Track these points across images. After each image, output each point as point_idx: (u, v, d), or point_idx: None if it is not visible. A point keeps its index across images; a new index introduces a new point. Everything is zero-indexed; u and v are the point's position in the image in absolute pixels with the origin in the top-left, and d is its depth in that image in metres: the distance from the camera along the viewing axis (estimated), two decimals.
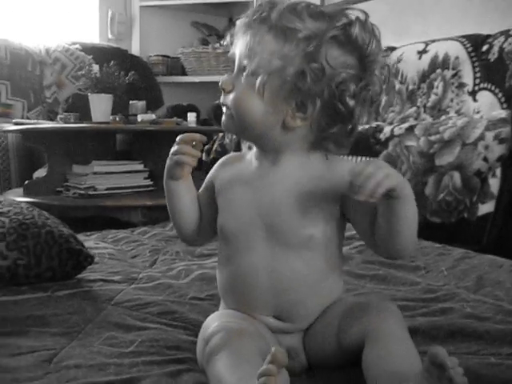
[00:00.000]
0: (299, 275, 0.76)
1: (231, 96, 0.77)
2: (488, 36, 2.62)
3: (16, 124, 2.65)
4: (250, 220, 0.77)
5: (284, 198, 0.76)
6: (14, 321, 0.94)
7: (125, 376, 0.75)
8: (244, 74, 0.75)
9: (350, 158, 0.79)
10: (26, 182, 2.57)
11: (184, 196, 0.85)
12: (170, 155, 0.82)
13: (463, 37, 2.72)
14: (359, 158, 2.00)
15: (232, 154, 0.88)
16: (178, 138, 0.81)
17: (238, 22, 0.78)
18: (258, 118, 0.75)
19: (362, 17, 0.74)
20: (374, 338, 0.70)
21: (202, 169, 0.83)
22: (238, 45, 0.77)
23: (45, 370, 0.77)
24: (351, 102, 0.73)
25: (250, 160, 0.81)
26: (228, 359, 0.68)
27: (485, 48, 2.59)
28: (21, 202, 1.34)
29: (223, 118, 0.79)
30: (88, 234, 1.67)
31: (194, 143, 0.80)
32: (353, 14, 0.74)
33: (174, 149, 0.81)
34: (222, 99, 0.78)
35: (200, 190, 0.88)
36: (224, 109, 0.79)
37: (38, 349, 0.84)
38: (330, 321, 0.77)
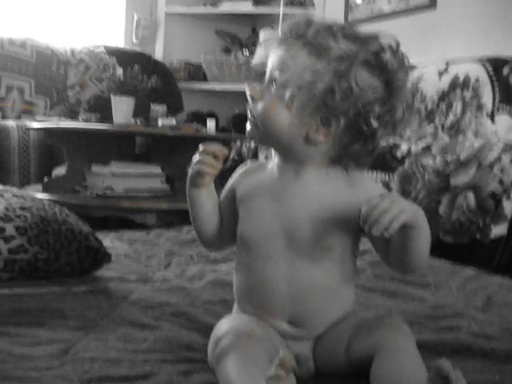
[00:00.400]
0: (317, 285, 0.79)
1: (259, 105, 0.79)
2: (509, 59, 2.63)
3: (38, 122, 2.70)
4: (271, 230, 0.79)
5: (305, 210, 0.78)
6: (32, 312, 0.97)
7: (138, 371, 0.77)
8: (274, 85, 0.78)
9: (368, 173, 0.81)
10: (46, 179, 2.62)
11: (205, 203, 0.87)
12: (192, 164, 0.84)
13: (484, 59, 2.73)
14: (378, 174, 2.02)
15: (253, 163, 0.90)
16: (200, 148, 0.83)
17: (271, 35, 0.80)
18: (284, 129, 0.77)
19: (394, 44, 0.77)
20: (385, 351, 0.72)
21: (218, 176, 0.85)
22: (271, 57, 0.80)
23: (61, 361, 0.80)
24: (375, 123, 0.75)
25: (272, 170, 0.83)
26: (236, 360, 0.70)
27: (506, 71, 2.60)
28: (42, 198, 1.38)
29: (248, 126, 0.81)
30: (104, 232, 1.70)
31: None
32: (385, 40, 0.77)
33: (195, 158, 0.83)
34: (249, 107, 0.81)
35: (221, 198, 0.89)
36: (249, 117, 0.81)
37: (56, 340, 0.86)
38: (341, 332, 0.79)
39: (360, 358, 0.75)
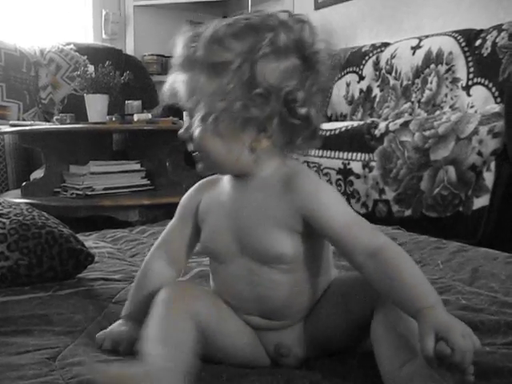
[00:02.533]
0: (278, 285, 0.77)
1: (194, 142, 0.77)
2: (481, 31, 2.63)
3: (12, 126, 2.66)
4: (227, 243, 0.79)
5: (252, 220, 0.77)
6: (17, 320, 0.95)
7: None
8: (194, 119, 0.75)
9: (311, 174, 0.78)
10: (24, 184, 2.59)
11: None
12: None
13: (456, 32, 2.74)
14: (358, 155, 2.01)
15: (205, 178, 0.88)
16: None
17: (173, 62, 0.77)
18: (224, 155, 0.75)
19: (285, 19, 0.74)
20: (382, 309, 0.72)
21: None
22: (180, 88, 0.76)
23: (49, 368, 0.78)
24: (303, 110, 0.73)
25: (224, 184, 0.82)
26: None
27: (478, 43, 2.60)
28: (20, 203, 1.36)
29: (198, 164, 0.79)
30: (87, 233, 1.68)
31: None
32: (276, 19, 0.74)
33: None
34: (189, 146, 0.78)
35: (181, 216, 0.87)
36: (194, 155, 0.79)
37: (43, 347, 0.85)
38: (333, 302, 0.78)
39: (361, 319, 0.74)
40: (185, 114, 0.80)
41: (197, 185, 0.87)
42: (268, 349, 0.81)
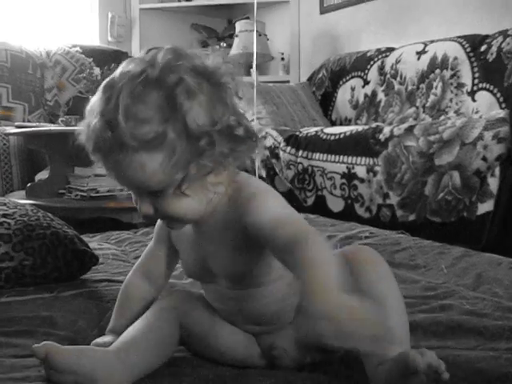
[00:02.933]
0: (261, 298, 0.77)
1: (160, 212, 0.73)
2: (486, 36, 2.64)
3: (18, 127, 2.67)
4: (201, 269, 0.80)
5: (214, 251, 0.77)
6: (21, 320, 0.95)
7: None
8: (159, 195, 0.71)
9: (251, 185, 0.76)
10: (29, 185, 2.59)
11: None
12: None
13: (461, 37, 2.74)
14: (363, 159, 2.01)
15: None
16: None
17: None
18: (197, 207, 0.73)
19: (167, 59, 0.69)
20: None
21: None
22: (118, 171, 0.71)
23: None
24: (241, 129, 0.71)
25: None
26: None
27: (483, 48, 2.61)
28: (25, 204, 1.36)
29: (169, 226, 0.78)
30: (91, 235, 1.68)
31: None
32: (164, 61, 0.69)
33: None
34: (154, 217, 0.75)
35: (152, 243, 0.90)
36: (161, 221, 0.78)
37: None
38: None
39: None
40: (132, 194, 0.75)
41: None
42: (263, 350, 0.81)
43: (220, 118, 0.69)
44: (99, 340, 0.86)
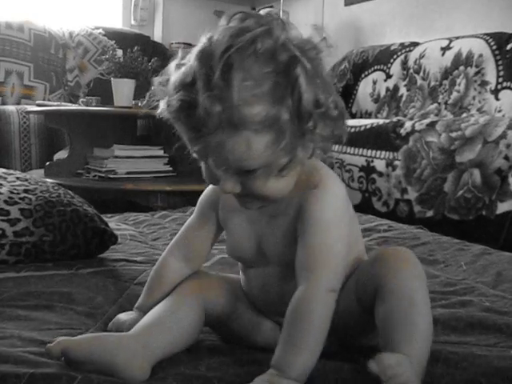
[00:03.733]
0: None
1: (249, 190, 0.70)
2: None
3: (39, 105, 2.68)
4: (252, 250, 0.78)
5: (271, 233, 0.76)
6: (40, 295, 0.95)
7: None
8: (253, 174, 0.68)
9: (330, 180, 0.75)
10: (48, 163, 2.61)
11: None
12: None
13: (487, 34, 2.70)
14: (382, 153, 1.99)
15: None
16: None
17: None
18: (285, 188, 0.71)
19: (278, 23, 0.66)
20: (381, 296, 0.70)
21: None
22: (227, 147, 0.65)
23: None
24: (335, 111, 0.69)
25: None
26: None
27: (509, 47, 2.57)
28: (46, 181, 1.37)
29: (247, 203, 0.73)
30: (109, 215, 1.69)
31: None
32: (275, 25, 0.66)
33: None
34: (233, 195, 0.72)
35: (195, 217, 0.85)
36: (242, 196, 0.72)
37: (65, 326, 0.85)
38: (346, 290, 0.76)
39: (371, 301, 0.72)
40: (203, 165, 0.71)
41: (211, 189, 0.84)
42: None
43: (326, 99, 0.66)
44: (123, 315, 0.85)
